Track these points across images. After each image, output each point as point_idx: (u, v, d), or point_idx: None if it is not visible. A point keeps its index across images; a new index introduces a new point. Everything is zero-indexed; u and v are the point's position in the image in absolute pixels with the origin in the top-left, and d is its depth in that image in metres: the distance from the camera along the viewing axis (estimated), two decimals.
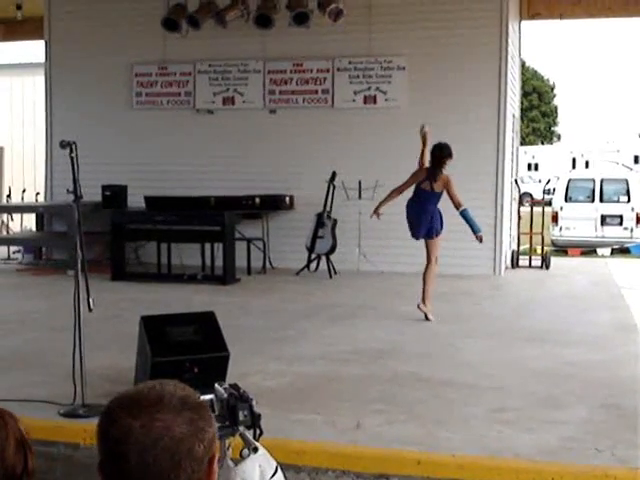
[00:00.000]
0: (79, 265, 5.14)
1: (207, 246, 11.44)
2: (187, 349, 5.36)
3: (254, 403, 2.49)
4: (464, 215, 8.90)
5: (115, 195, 12.45)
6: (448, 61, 12.00)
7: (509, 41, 12.07)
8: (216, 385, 2.57)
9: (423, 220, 8.93)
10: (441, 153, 8.81)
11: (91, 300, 5.04)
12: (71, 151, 5.12)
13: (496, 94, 11.99)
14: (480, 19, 11.95)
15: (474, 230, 8.91)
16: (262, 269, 12.04)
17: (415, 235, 9.02)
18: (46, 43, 13.88)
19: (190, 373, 5.10)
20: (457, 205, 8.85)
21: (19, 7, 15.00)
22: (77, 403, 5.20)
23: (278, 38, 12.16)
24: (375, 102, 12.35)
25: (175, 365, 5.16)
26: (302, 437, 4.71)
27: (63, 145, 5.16)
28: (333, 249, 11.68)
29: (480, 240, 8.96)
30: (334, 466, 4.56)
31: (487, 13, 11.93)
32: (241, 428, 2.47)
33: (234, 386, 2.54)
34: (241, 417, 2.44)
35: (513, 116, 13.17)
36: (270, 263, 12.28)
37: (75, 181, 5.13)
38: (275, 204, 12.26)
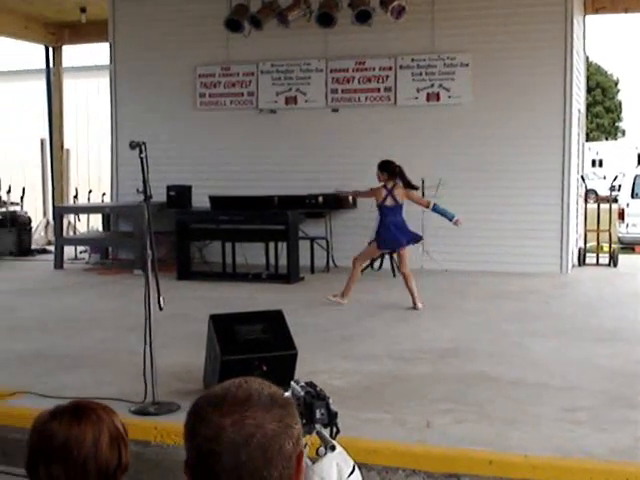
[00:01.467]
0: (149, 264, 5.20)
1: (271, 245, 11.50)
2: (256, 347, 5.39)
3: (331, 401, 2.49)
4: (436, 209, 9.37)
5: (180, 195, 12.57)
6: (512, 57, 11.87)
7: (574, 36, 11.88)
8: (292, 383, 2.57)
9: (405, 229, 9.32)
10: (395, 167, 9.28)
11: (162, 299, 5.10)
12: (141, 152, 5.18)
13: (561, 89, 11.83)
14: (545, 14, 11.79)
15: (449, 218, 9.36)
16: (325, 268, 12.05)
17: (401, 244, 9.29)
18: (111, 45, 14.07)
19: (259, 371, 5.12)
20: (427, 204, 9.46)
21: (83, 10, 15.28)
22: (147, 401, 5.26)
23: (340, 36, 12.16)
24: (438, 99, 12.27)
25: (244, 363, 5.18)
26: (371, 436, 4.70)
27: (133, 146, 5.22)
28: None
29: (457, 224, 9.33)
30: (404, 465, 4.53)
31: (552, 8, 11.76)
32: (318, 426, 2.47)
33: (310, 384, 2.54)
34: (318, 415, 2.44)
35: (579, 111, 12.97)
36: (333, 262, 12.28)
37: (145, 181, 5.18)
38: (338, 203, 12.25)
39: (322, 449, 2.40)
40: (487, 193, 11.99)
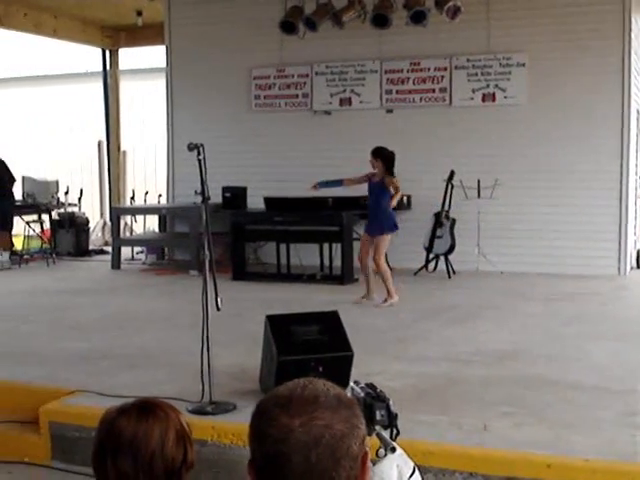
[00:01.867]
0: (207, 265, 5.24)
1: (325, 246, 11.50)
2: (312, 348, 5.39)
3: (391, 403, 2.47)
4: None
5: (235, 196, 12.65)
6: (569, 56, 11.72)
7: (632, 35, 11.70)
8: (352, 384, 2.56)
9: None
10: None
11: (219, 299, 5.13)
12: (198, 153, 5.23)
13: (619, 89, 11.65)
14: (601, 13, 11.63)
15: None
16: None
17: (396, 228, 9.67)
18: (167, 48, 14.21)
19: (315, 372, 5.12)
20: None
21: (140, 14, 15.47)
22: (205, 400, 5.30)
23: (395, 37, 12.12)
24: (494, 100, 12.17)
25: (300, 364, 5.19)
26: (428, 438, 4.67)
27: (191, 148, 5.27)
28: (452, 249, 11.56)
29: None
30: (461, 468, 4.50)
31: (609, 6, 11.59)
32: (378, 428, 2.45)
33: (370, 385, 2.53)
34: (378, 417, 2.43)
35: (637, 112, 12.76)
36: (388, 263, 12.21)
37: (203, 183, 5.22)
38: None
39: (382, 451, 2.39)
40: (543, 194, 11.86)
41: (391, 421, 2.46)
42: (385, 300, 9.41)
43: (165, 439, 2.09)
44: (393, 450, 2.37)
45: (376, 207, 9.55)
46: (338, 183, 10.19)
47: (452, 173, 11.49)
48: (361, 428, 1.56)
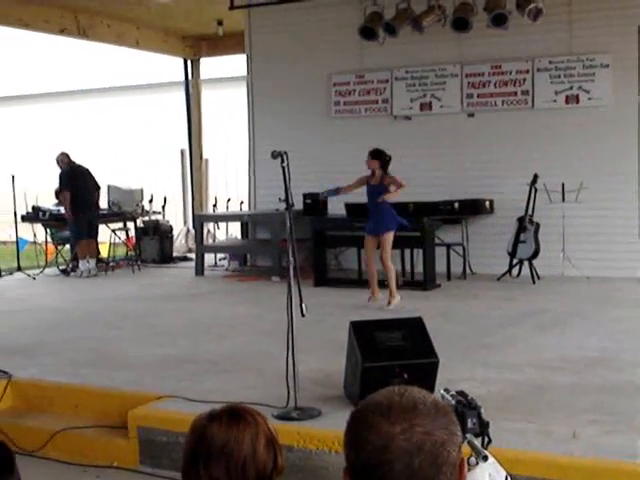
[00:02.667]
0: (291, 271, 5.27)
1: (407, 252, 11.44)
2: (396, 354, 5.37)
3: (482, 411, 2.46)
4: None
5: (315, 203, 12.69)
6: None
7: None
8: (442, 392, 2.55)
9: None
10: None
11: (304, 306, 5.15)
12: (282, 161, 5.27)
13: None
14: None
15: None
16: (462, 274, 11.91)
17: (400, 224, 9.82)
18: (247, 57, 14.34)
19: (400, 379, 5.10)
20: None
21: (220, 23, 15.67)
22: (290, 406, 5.33)
23: (475, 41, 12.02)
24: (577, 102, 11.95)
25: (384, 370, 5.17)
26: (516, 446, 4.60)
27: (274, 155, 5.31)
28: (536, 254, 11.38)
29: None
30: (549, 476, 4.43)
31: None
32: (469, 436, 2.44)
33: (461, 393, 2.52)
34: (469, 425, 2.42)
35: None
36: (470, 268, 12.14)
37: (286, 190, 5.26)
38: (475, 208, 12.11)
39: (473, 459, 2.38)
40: (629, 197, 11.61)
41: (482, 429, 2.45)
42: (389, 302, 9.59)
43: (256, 444, 2.11)
44: (485, 458, 2.35)
45: (375, 206, 9.73)
46: (334, 192, 10.49)
47: (535, 177, 11.32)
48: (459, 435, 1.57)
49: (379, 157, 9.76)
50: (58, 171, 13.77)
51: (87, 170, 13.92)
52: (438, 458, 1.50)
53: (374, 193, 9.74)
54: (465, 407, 2.43)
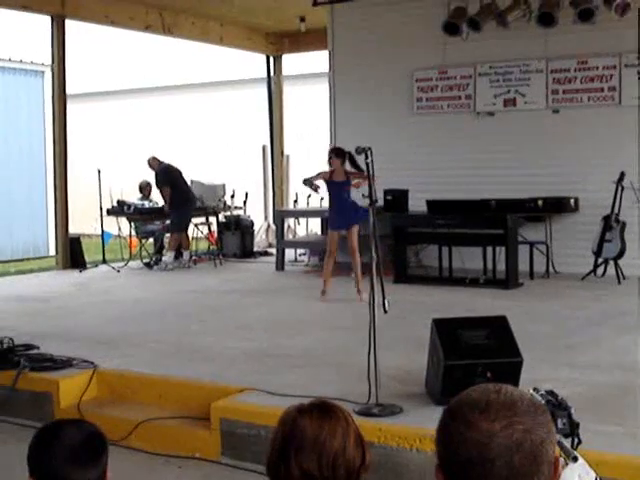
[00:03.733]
0: (374, 267, 5.26)
1: (489, 249, 11.32)
2: (479, 353, 5.31)
3: (573, 411, 2.42)
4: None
5: (397, 199, 12.64)
6: None
7: None
8: (532, 391, 2.51)
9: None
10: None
11: (386, 301, 5.14)
12: (366, 157, 5.27)
13: None
14: None
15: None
16: (545, 273, 11.72)
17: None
18: (330, 53, 14.36)
19: (483, 378, 5.05)
20: None
21: (303, 20, 15.73)
22: (371, 402, 5.32)
23: (561, 36, 11.80)
24: None
25: (467, 369, 5.13)
26: (601, 448, 4.51)
27: (359, 151, 5.32)
28: (622, 253, 11.13)
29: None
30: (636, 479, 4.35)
31: None
32: (559, 436, 2.40)
33: (551, 392, 2.48)
34: (560, 425, 2.38)
35: None
36: (553, 267, 11.94)
37: (370, 186, 5.26)
38: (559, 206, 11.90)
39: (562, 459, 2.33)
40: None
41: (573, 430, 2.41)
42: (363, 296, 9.26)
43: (347, 439, 2.12)
44: (575, 459, 2.31)
45: (345, 202, 10.24)
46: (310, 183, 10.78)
47: (622, 174, 11.06)
48: (554, 434, 1.55)
49: (343, 155, 10.22)
50: (146, 168, 14.23)
51: (177, 169, 14.36)
52: (537, 456, 1.49)
53: (340, 188, 10.17)
54: (555, 407, 2.39)
